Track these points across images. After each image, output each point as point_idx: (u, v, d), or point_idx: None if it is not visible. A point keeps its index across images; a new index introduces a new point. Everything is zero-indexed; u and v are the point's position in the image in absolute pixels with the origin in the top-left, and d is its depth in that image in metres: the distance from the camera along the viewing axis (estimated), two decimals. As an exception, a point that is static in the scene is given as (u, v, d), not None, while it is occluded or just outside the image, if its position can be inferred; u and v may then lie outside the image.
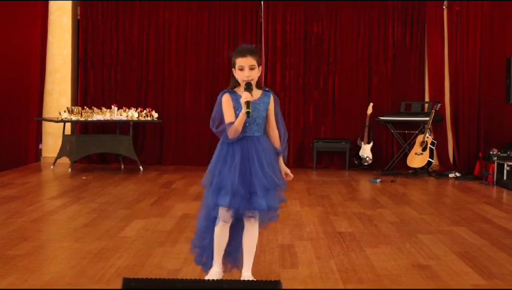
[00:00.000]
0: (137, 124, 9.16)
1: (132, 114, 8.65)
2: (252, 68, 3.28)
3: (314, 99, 9.42)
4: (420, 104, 9.16)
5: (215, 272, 3.40)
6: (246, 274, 3.40)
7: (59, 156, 8.76)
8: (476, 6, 9.03)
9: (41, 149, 9.45)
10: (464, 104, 9.09)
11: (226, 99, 3.31)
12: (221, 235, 3.37)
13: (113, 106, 8.71)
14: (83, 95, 9.48)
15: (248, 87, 3.26)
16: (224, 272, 3.48)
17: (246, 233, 3.38)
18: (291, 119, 9.38)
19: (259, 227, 3.44)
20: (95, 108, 8.74)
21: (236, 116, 3.27)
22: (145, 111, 8.77)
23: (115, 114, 8.62)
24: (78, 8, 9.55)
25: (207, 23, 9.43)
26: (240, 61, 3.29)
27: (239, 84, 3.33)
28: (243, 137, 3.31)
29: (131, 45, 9.45)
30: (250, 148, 3.30)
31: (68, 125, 8.96)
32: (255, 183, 3.25)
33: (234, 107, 3.30)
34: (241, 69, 3.29)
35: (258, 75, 3.34)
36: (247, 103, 3.20)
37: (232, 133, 3.26)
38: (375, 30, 9.33)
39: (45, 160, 9.32)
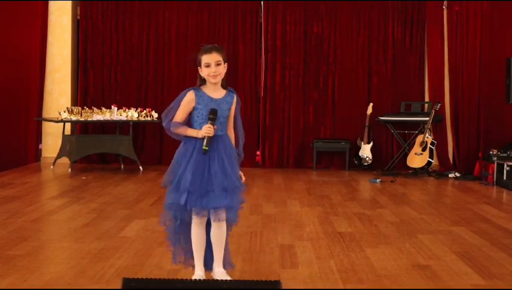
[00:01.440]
0: (137, 124, 9.16)
1: (132, 114, 8.66)
2: (218, 64, 3.29)
3: (314, 100, 9.42)
4: (420, 104, 9.16)
5: (197, 276, 3.39)
6: (218, 270, 3.40)
7: (59, 156, 8.76)
8: (475, 6, 9.03)
9: (41, 149, 9.46)
10: (464, 104, 9.09)
11: (188, 98, 3.31)
12: (196, 236, 3.37)
13: (113, 106, 8.71)
14: (82, 95, 9.48)
15: (213, 116, 3.24)
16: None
17: (212, 232, 3.37)
18: (291, 119, 9.39)
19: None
20: (94, 108, 8.74)
21: (196, 112, 3.28)
22: (145, 111, 8.77)
23: (115, 114, 8.62)
24: (78, 8, 9.56)
25: (207, 23, 9.43)
26: (205, 58, 3.29)
27: (205, 83, 3.35)
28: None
29: (131, 45, 9.45)
30: (212, 147, 3.29)
31: (68, 125, 8.97)
32: (214, 183, 3.25)
33: (196, 105, 3.30)
34: (208, 66, 3.29)
35: (224, 71, 3.34)
36: (207, 139, 3.22)
37: (175, 134, 3.32)
38: (375, 30, 9.33)
39: (45, 160, 9.32)
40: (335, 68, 9.38)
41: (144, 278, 2.83)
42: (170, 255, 4.09)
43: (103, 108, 8.77)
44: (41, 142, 9.45)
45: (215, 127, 3.27)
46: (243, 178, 3.42)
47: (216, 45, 3.38)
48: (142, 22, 9.45)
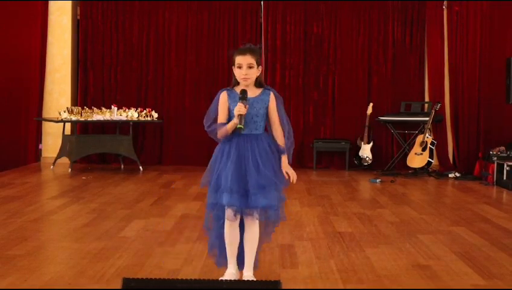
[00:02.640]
0: (137, 124, 9.15)
1: (132, 114, 8.66)
2: (250, 67, 3.28)
3: (314, 100, 9.42)
4: (420, 104, 9.16)
5: (230, 274, 3.39)
6: (247, 274, 3.40)
7: (59, 156, 8.76)
8: (475, 6, 9.03)
9: (41, 149, 9.46)
10: (464, 104, 9.09)
11: (222, 99, 3.33)
12: (229, 234, 3.36)
13: (113, 106, 8.71)
14: (82, 95, 9.48)
15: (243, 96, 3.25)
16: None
17: (245, 233, 3.39)
18: (291, 119, 9.34)
19: (267, 228, 3.44)
20: (94, 108, 8.74)
21: (231, 113, 3.29)
22: (145, 111, 8.77)
23: (115, 114, 8.61)
24: (78, 8, 9.55)
25: (207, 23, 9.43)
26: (238, 59, 3.29)
27: (238, 83, 3.35)
28: (240, 135, 3.32)
29: (131, 45, 9.45)
30: (246, 146, 3.30)
31: (68, 125, 8.96)
32: (249, 182, 3.25)
33: (230, 105, 3.31)
34: (240, 67, 3.30)
35: (258, 74, 3.34)
36: (240, 117, 3.21)
37: (222, 134, 3.30)
38: (375, 30, 9.33)
39: (45, 160, 9.32)
40: (335, 68, 9.38)
41: (144, 278, 2.82)
42: (173, 255, 4.11)
43: (103, 108, 8.77)
44: (41, 142, 9.45)
45: (247, 106, 3.23)
46: (292, 177, 3.34)
47: (252, 46, 3.35)
48: (142, 22, 9.45)
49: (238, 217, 3.33)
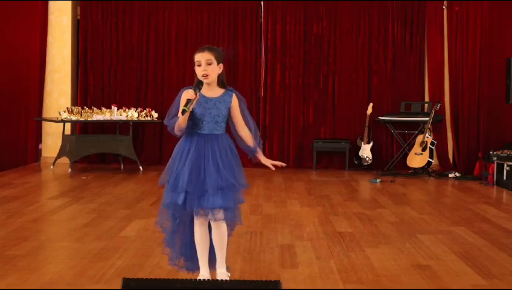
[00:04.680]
0: (137, 124, 9.16)
1: (132, 114, 8.65)
2: (209, 63, 3.28)
3: (314, 100, 9.42)
4: (420, 104, 9.16)
5: (202, 276, 3.38)
6: (220, 271, 3.38)
7: (59, 156, 8.76)
8: (475, 6, 9.03)
9: (41, 149, 9.45)
10: (464, 104, 9.09)
11: (184, 95, 3.27)
12: (199, 234, 3.35)
13: (112, 106, 8.71)
14: (82, 95, 9.48)
15: (197, 85, 3.26)
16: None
17: (212, 234, 3.36)
18: (291, 119, 9.38)
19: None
20: (94, 108, 8.73)
21: (192, 112, 3.26)
22: (144, 111, 8.77)
23: (115, 114, 8.61)
24: (78, 8, 9.55)
25: (207, 23, 9.43)
26: (197, 57, 3.31)
27: (201, 83, 3.32)
28: (200, 134, 3.30)
29: (131, 45, 9.45)
30: (206, 146, 3.28)
31: (68, 125, 8.97)
32: (207, 182, 3.23)
33: None
34: (199, 65, 3.29)
35: (219, 72, 3.33)
36: (187, 101, 3.18)
37: (177, 128, 3.27)
38: (375, 30, 9.33)
39: (45, 160, 9.32)
40: (335, 68, 9.38)
41: (144, 278, 2.82)
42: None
43: (103, 108, 8.77)
44: (41, 142, 9.45)
45: (198, 94, 3.21)
46: (278, 164, 3.40)
47: (212, 46, 3.37)
48: (142, 22, 9.45)
49: (204, 216, 3.30)
